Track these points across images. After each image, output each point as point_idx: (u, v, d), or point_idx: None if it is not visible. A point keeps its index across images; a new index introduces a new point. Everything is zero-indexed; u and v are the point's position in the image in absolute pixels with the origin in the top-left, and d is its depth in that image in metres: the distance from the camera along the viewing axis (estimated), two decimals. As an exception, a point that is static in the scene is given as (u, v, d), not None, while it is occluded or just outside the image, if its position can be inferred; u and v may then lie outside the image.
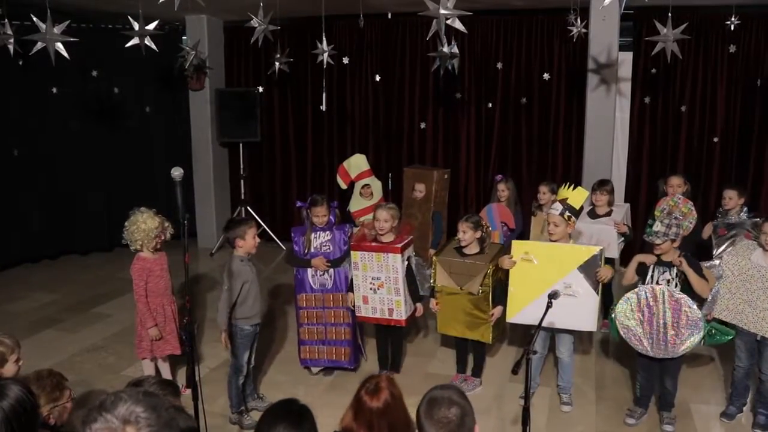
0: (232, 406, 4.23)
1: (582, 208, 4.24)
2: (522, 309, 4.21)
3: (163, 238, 4.41)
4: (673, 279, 3.96)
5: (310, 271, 4.70)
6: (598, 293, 4.08)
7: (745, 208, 5.16)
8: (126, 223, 4.34)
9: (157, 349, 4.43)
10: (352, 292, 4.63)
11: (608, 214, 5.35)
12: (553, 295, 3.62)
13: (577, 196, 4.19)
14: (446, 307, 4.55)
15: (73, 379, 2.81)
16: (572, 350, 4.38)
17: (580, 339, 5.23)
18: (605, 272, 4.02)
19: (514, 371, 3.10)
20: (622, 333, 4.02)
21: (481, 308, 4.41)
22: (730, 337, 3.99)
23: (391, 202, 4.87)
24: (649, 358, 4.00)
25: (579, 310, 4.05)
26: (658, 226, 3.94)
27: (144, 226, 4.28)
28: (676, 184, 5.28)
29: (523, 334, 5.34)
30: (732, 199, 5.12)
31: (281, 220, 8.72)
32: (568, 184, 4.35)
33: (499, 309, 4.40)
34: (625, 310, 3.99)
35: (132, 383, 2.44)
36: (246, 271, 4.13)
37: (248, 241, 4.14)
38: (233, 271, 4.09)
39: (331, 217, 4.66)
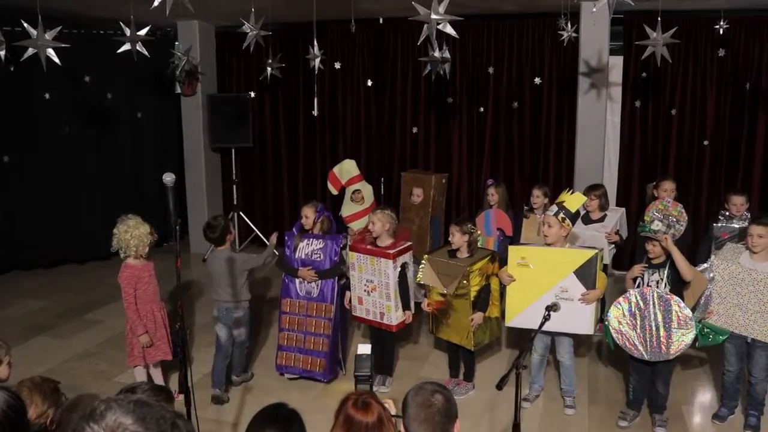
0: (216, 383, 4.56)
1: (579, 213, 4.26)
2: (519, 313, 4.23)
3: (151, 243, 4.42)
4: (662, 280, 3.98)
5: None
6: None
7: (747, 214, 5.00)
8: (115, 230, 4.29)
9: (149, 356, 4.41)
10: (349, 290, 4.75)
11: (602, 219, 5.34)
12: (551, 308, 3.62)
13: (574, 200, 4.22)
14: (436, 309, 4.59)
15: (65, 385, 2.79)
16: (572, 353, 4.39)
17: (578, 342, 5.24)
18: (592, 296, 4.04)
19: (499, 387, 3.08)
20: (616, 339, 4.03)
21: (464, 313, 4.40)
22: (725, 337, 4.01)
23: (386, 207, 4.87)
24: (642, 360, 4.02)
25: (576, 314, 4.08)
26: (658, 225, 3.95)
27: (137, 231, 4.27)
28: (669, 188, 5.22)
29: (517, 339, 5.35)
30: (743, 205, 4.96)
31: (273, 226, 8.66)
32: (569, 189, 4.40)
33: (479, 315, 4.38)
34: (617, 315, 4.01)
35: (125, 389, 2.43)
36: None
37: (233, 232, 4.65)
38: (242, 255, 4.64)
39: (332, 221, 4.96)
